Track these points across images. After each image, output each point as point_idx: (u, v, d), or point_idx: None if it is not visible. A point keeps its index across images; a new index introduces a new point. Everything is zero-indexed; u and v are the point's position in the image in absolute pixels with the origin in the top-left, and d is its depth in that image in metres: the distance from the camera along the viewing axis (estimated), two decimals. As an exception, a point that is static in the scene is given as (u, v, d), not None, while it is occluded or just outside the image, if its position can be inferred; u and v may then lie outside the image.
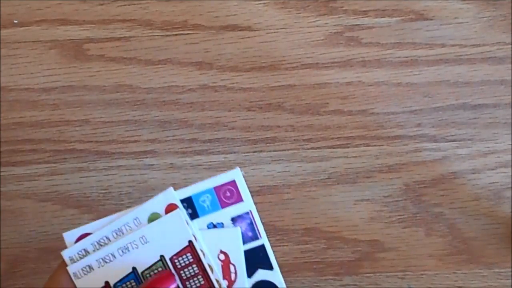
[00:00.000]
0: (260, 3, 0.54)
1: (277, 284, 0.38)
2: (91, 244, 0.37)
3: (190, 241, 0.37)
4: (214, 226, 0.38)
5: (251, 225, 0.38)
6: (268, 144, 0.53)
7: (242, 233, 0.38)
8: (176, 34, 0.54)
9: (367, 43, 0.53)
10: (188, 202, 0.38)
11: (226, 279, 0.37)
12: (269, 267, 0.38)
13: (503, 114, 0.53)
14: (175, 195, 0.37)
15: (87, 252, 0.37)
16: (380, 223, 0.52)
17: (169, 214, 0.37)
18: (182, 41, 0.54)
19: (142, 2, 0.54)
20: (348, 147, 0.53)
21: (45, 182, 0.53)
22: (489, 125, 0.53)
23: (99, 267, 0.37)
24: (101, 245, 0.37)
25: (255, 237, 0.38)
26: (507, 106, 0.53)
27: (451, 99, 0.53)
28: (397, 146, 0.53)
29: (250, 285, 0.38)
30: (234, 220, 0.38)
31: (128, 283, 0.37)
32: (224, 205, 0.38)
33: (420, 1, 0.54)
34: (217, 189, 0.38)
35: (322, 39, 0.54)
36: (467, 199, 0.52)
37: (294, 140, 0.53)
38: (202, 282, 0.37)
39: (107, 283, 0.37)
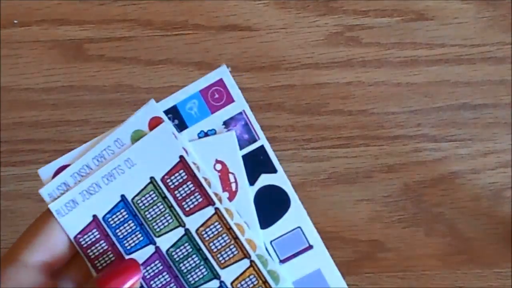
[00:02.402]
0: (260, 3, 0.54)
1: (283, 187, 0.34)
2: (71, 176, 0.33)
3: (181, 156, 0.33)
4: (206, 134, 0.34)
5: (247, 126, 0.34)
6: (268, 144, 0.53)
7: (237, 136, 0.34)
8: (176, 34, 0.54)
9: (367, 43, 0.53)
10: (173, 112, 0.34)
11: (227, 190, 0.34)
12: (272, 169, 0.34)
13: (503, 114, 0.53)
14: (157, 107, 0.33)
15: (67, 186, 0.33)
16: (380, 223, 0.52)
17: (154, 130, 0.33)
18: (182, 41, 0.54)
19: (142, 2, 0.54)
20: (348, 147, 0.53)
21: (45, 182, 0.52)
22: (489, 125, 0.53)
23: (83, 201, 0.33)
24: (83, 176, 0.33)
25: (253, 139, 0.34)
26: (507, 106, 0.53)
27: (451, 99, 0.53)
28: (397, 146, 0.53)
29: (254, 193, 0.34)
30: (226, 123, 0.34)
31: (118, 213, 0.33)
32: (213, 109, 0.34)
33: (420, 1, 0.54)
34: (203, 92, 0.34)
35: (322, 39, 0.54)
36: (467, 199, 0.52)
37: (294, 140, 0.53)
38: (200, 199, 0.33)
39: (95, 216, 0.33)
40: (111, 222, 0.33)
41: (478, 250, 0.52)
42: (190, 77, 0.53)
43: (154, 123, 0.33)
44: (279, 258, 0.34)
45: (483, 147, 0.52)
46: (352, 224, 0.52)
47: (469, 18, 0.53)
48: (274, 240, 0.34)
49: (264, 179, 0.34)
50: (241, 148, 0.34)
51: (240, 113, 0.34)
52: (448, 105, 0.53)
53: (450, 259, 0.52)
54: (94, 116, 0.53)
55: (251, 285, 0.33)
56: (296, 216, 0.34)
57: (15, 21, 0.54)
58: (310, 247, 0.34)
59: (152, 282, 0.33)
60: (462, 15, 0.53)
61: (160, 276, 0.34)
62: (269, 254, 0.34)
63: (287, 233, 0.34)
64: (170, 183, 0.33)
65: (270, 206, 0.34)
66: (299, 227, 0.34)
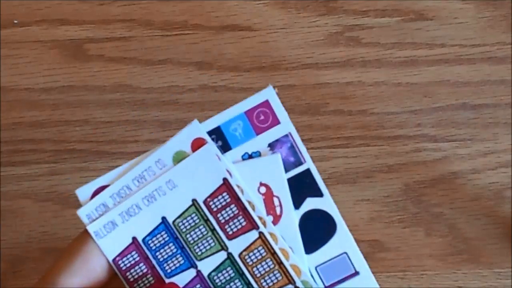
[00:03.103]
0: (260, 3, 0.54)
1: (330, 212, 0.33)
2: (110, 197, 0.32)
3: (224, 178, 0.32)
4: (250, 156, 0.33)
5: (292, 149, 0.33)
6: (268, 144, 0.53)
7: (282, 159, 0.33)
8: (176, 34, 0.54)
9: (367, 43, 0.53)
10: (217, 133, 0.33)
11: (271, 214, 0.33)
12: (319, 193, 0.33)
13: (503, 114, 0.53)
14: (201, 128, 0.32)
15: (106, 207, 0.32)
16: (380, 223, 0.52)
17: (197, 151, 0.32)
18: (182, 41, 0.54)
19: (142, 2, 0.54)
20: (348, 147, 0.53)
21: (45, 182, 0.52)
22: (489, 125, 0.53)
23: (123, 222, 0.32)
24: (122, 197, 0.32)
25: (299, 162, 0.33)
26: (507, 106, 0.53)
27: (451, 99, 0.53)
28: (397, 146, 0.53)
29: (299, 217, 0.33)
30: (272, 146, 0.33)
31: (158, 235, 0.32)
32: (259, 130, 0.33)
33: (420, 1, 0.54)
34: (248, 113, 0.33)
35: (322, 39, 0.54)
36: (467, 199, 0.52)
37: (294, 140, 0.53)
38: (244, 224, 0.32)
39: (134, 238, 0.32)
40: (151, 245, 0.33)
41: (478, 250, 0.52)
42: (190, 77, 0.53)
43: (197, 144, 0.32)
44: (324, 284, 0.33)
45: (483, 147, 0.52)
46: (352, 224, 0.52)
47: (469, 18, 0.53)
48: (319, 265, 0.33)
49: (310, 203, 0.33)
50: (286, 171, 0.33)
51: (286, 135, 0.33)
52: (448, 105, 0.53)
53: (450, 259, 0.52)
54: (94, 116, 0.53)
55: None
56: (342, 241, 0.33)
57: (15, 21, 0.54)
58: (357, 273, 0.33)
59: None
60: (462, 15, 0.53)
61: None
62: (314, 280, 0.33)
63: (332, 258, 0.33)
64: (213, 206, 0.32)
65: (316, 230, 0.33)
66: (345, 252, 0.33)
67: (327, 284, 0.33)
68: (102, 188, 0.33)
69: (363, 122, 0.53)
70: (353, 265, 0.33)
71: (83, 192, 0.33)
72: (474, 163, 0.52)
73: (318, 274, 0.33)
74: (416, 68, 0.53)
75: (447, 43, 0.53)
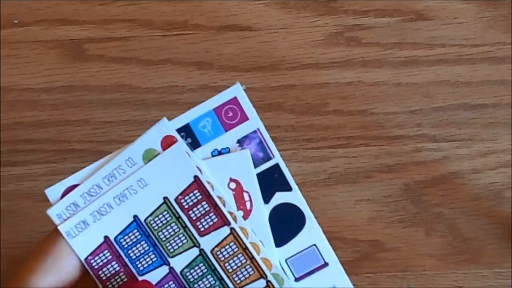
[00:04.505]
0: (260, 3, 0.54)
1: (298, 205, 0.34)
2: (81, 196, 0.32)
3: (195, 176, 0.32)
4: (220, 153, 0.33)
5: (261, 145, 0.34)
6: (268, 144, 0.53)
7: (251, 155, 0.33)
8: (176, 34, 0.54)
9: (367, 43, 0.53)
10: (186, 131, 0.33)
11: (241, 209, 0.33)
12: (287, 188, 0.34)
13: (503, 114, 0.53)
14: (170, 126, 0.33)
15: (77, 207, 0.32)
16: (380, 223, 0.52)
17: (168, 149, 0.32)
18: (182, 41, 0.54)
19: (142, 2, 0.54)
20: (348, 147, 0.53)
21: (45, 182, 0.52)
22: (489, 125, 0.53)
23: (94, 221, 0.32)
24: (93, 196, 0.32)
25: (267, 157, 0.34)
26: (507, 106, 0.53)
27: (451, 99, 0.53)
28: (397, 146, 0.53)
29: (269, 211, 0.33)
30: (241, 142, 0.33)
31: (130, 234, 0.33)
32: (227, 127, 0.33)
33: (420, 1, 0.54)
34: (217, 110, 0.33)
35: (322, 39, 0.54)
36: (467, 199, 0.52)
37: (294, 140, 0.53)
38: (215, 220, 0.33)
39: (106, 237, 0.33)
40: (123, 243, 0.33)
41: (478, 250, 0.52)
42: (190, 77, 0.53)
43: (167, 142, 0.33)
44: (294, 276, 0.34)
45: (483, 147, 0.52)
46: (352, 224, 0.52)
47: (469, 18, 0.53)
48: (289, 258, 0.34)
49: (279, 197, 0.34)
50: (255, 166, 0.33)
51: (255, 131, 0.34)
52: (448, 105, 0.53)
53: (450, 259, 0.52)
54: (94, 116, 0.53)
55: None
56: (311, 233, 0.34)
57: (15, 21, 0.54)
58: (326, 264, 0.34)
59: None
60: (462, 15, 0.53)
61: None
62: (285, 272, 0.33)
63: (302, 250, 0.34)
64: (184, 203, 0.33)
65: (285, 224, 0.34)
66: (314, 244, 0.34)
67: (297, 276, 0.34)
68: (72, 187, 0.33)
69: (363, 122, 0.53)
70: (322, 256, 0.34)
71: (52, 191, 0.33)
72: (474, 163, 0.52)
73: (288, 266, 0.34)
74: (416, 68, 0.53)
75: (447, 43, 0.53)
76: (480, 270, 0.52)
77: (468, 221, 0.52)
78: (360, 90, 0.53)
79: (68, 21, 0.54)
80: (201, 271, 0.33)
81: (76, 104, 0.53)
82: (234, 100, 0.34)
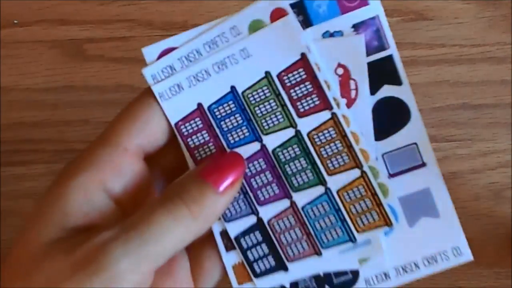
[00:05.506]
0: (260, 3, 0.54)
1: (406, 101, 0.32)
2: (178, 59, 0.31)
3: (303, 54, 0.30)
4: (331, 35, 0.31)
5: (377, 33, 0.31)
6: (268, 144, 0.53)
7: (366, 42, 0.31)
8: (176, 34, 0.54)
9: (367, 43, 0.53)
10: (299, 7, 0.30)
11: (345, 97, 0.31)
12: (397, 81, 0.31)
13: (503, 114, 0.53)
14: None
15: (174, 70, 0.31)
16: (380, 223, 0.52)
17: (277, 22, 0.30)
18: (182, 41, 0.54)
19: (142, 2, 0.54)
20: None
21: (45, 182, 0.52)
22: (489, 125, 0.53)
23: (190, 87, 0.31)
24: (191, 61, 0.31)
25: (382, 47, 0.31)
26: (507, 106, 0.53)
27: (451, 99, 0.53)
28: (397, 146, 0.53)
29: (373, 102, 0.31)
30: (356, 27, 0.31)
31: (225, 105, 0.31)
32: (344, 9, 0.30)
33: (420, 1, 0.54)
34: None
35: (322, 39, 0.53)
36: (467, 199, 0.52)
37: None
38: (317, 102, 0.31)
39: (200, 104, 0.31)
40: (217, 113, 0.31)
41: (478, 250, 0.52)
42: (190, 77, 0.53)
43: (277, 14, 0.30)
44: (388, 172, 0.32)
45: (483, 147, 0.52)
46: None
47: (469, 18, 0.53)
48: (386, 153, 0.32)
49: (386, 90, 0.31)
50: (367, 55, 0.31)
51: (373, 18, 0.31)
52: (448, 105, 0.53)
53: (450, 259, 0.52)
54: (94, 116, 0.53)
55: (359, 196, 0.31)
56: (414, 131, 0.32)
57: (15, 21, 0.54)
58: (423, 164, 0.32)
59: (252, 180, 0.31)
60: (462, 15, 0.53)
61: (262, 175, 0.31)
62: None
63: (401, 147, 0.32)
64: (287, 81, 0.31)
65: (388, 118, 0.32)
66: (415, 143, 0.32)
67: (391, 172, 0.32)
68: (170, 50, 0.32)
69: (363, 122, 0.53)
70: (421, 156, 0.32)
71: (149, 51, 0.32)
72: (474, 163, 0.52)
73: (384, 161, 0.32)
74: (416, 68, 0.53)
75: (447, 43, 0.53)
76: (480, 270, 0.51)
77: (468, 221, 0.52)
78: (360, 90, 0.53)
79: (68, 21, 0.54)
80: (294, 152, 0.31)
81: (76, 104, 0.53)
82: None
